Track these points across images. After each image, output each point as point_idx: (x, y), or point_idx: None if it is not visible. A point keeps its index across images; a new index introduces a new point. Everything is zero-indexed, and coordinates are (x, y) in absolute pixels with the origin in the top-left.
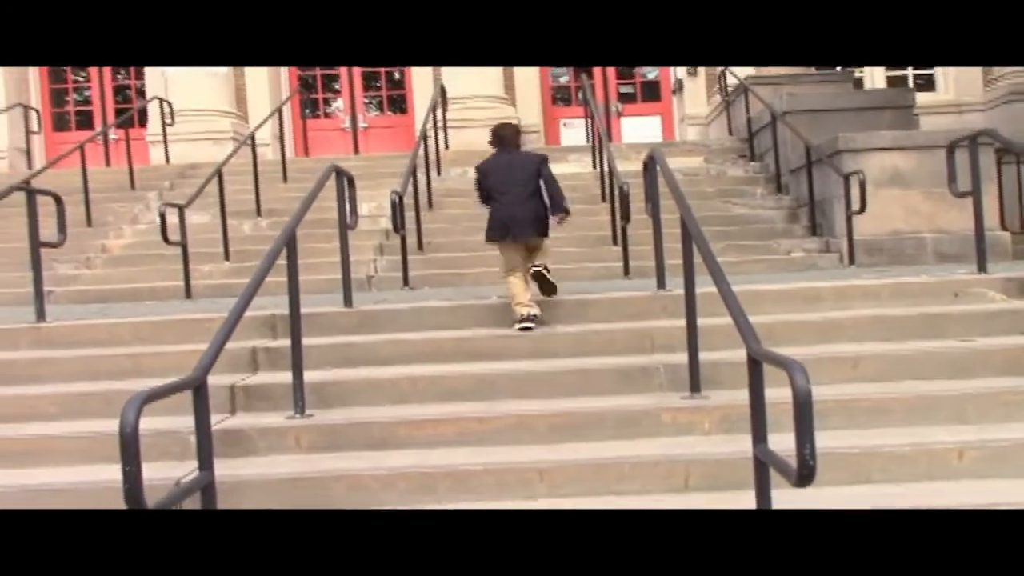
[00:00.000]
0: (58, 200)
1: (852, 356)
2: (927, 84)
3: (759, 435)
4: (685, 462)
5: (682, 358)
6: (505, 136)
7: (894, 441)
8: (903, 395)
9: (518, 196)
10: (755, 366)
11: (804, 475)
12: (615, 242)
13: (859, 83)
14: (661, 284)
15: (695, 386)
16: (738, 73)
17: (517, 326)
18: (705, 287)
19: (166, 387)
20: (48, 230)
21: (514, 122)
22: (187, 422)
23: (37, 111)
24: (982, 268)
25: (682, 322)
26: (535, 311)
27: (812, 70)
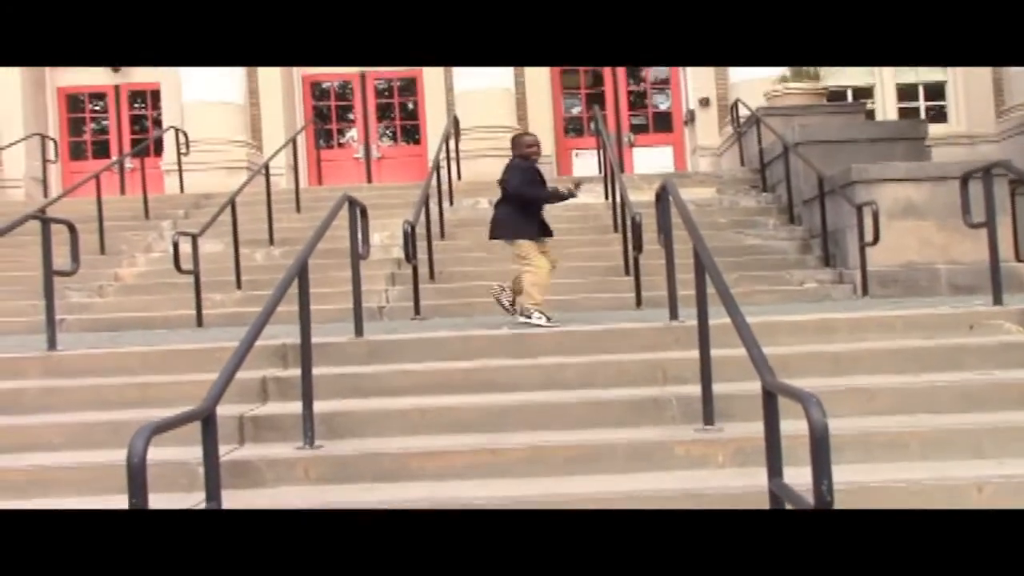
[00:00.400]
0: (72, 229)
1: (868, 388)
2: (938, 116)
3: (774, 469)
4: (698, 496)
5: (695, 390)
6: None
7: (911, 476)
8: (920, 428)
9: (497, 203)
10: (770, 399)
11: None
12: (627, 272)
13: (871, 114)
14: (674, 315)
15: (708, 418)
16: (750, 104)
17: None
18: (718, 318)
19: (175, 418)
20: (62, 258)
21: (524, 133)
22: (195, 452)
23: (54, 140)
24: (998, 300)
25: (695, 353)
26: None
27: (824, 101)
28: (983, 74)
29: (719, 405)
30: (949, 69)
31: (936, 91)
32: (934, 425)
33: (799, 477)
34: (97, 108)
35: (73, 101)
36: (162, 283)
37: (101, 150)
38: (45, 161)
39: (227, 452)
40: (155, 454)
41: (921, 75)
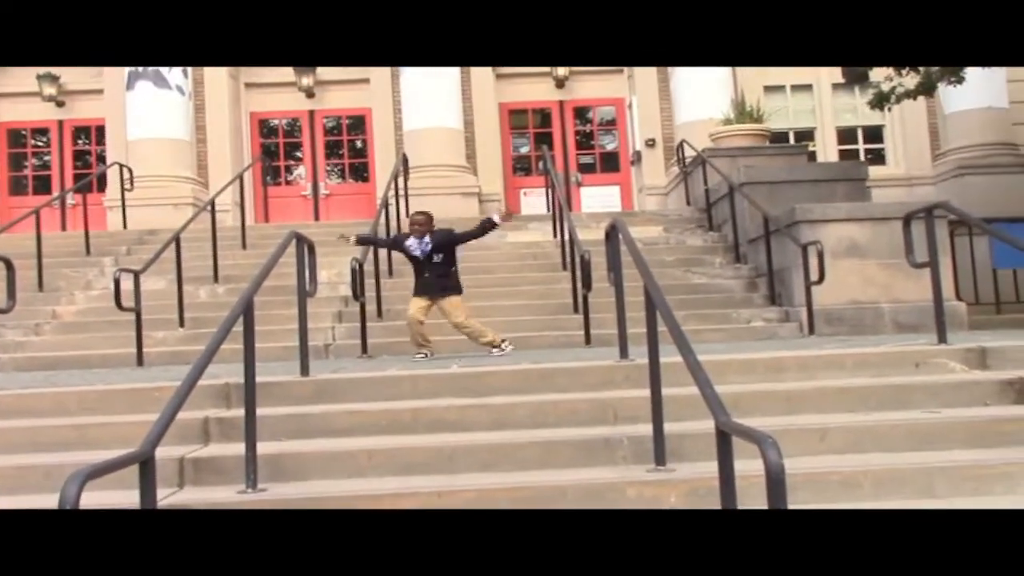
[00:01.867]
0: (9, 265)
1: (818, 428)
2: (876, 158)
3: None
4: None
5: (646, 429)
6: None
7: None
8: (871, 468)
9: None
10: (724, 439)
11: None
12: (576, 310)
13: (812, 156)
14: (624, 353)
15: (660, 458)
16: (695, 145)
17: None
18: (668, 356)
19: (111, 462)
20: None
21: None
22: (133, 497)
23: None
24: (942, 339)
25: (646, 392)
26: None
27: (767, 143)
28: (919, 118)
29: (671, 444)
30: (887, 113)
31: (874, 134)
32: (886, 464)
33: None
34: (40, 143)
35: (14, 136)
36: (102, 321)
37: (43, 186)
38: None
39: (166, 495)
40: (91, 498)
41: (860, 118)
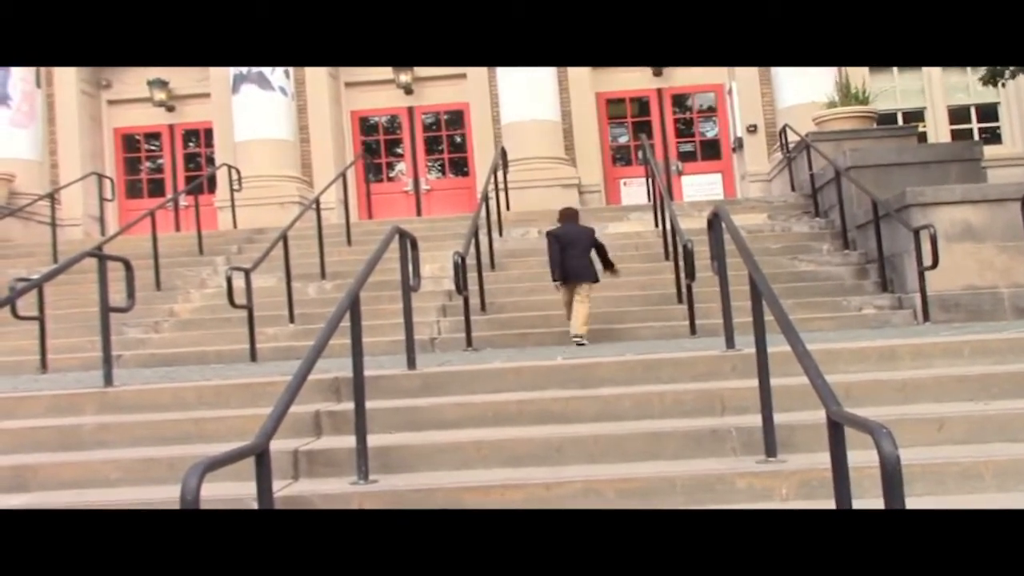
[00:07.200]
0: (127, 266)
1: (936, 417)
2: (992, 137)
3: (843, 502)
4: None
5: (755, 420)
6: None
7: (988, 508)
8: (994, 458)
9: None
10: (836, 429)
11: None
12: (680, 300)
13: (922, 137)
14: (730, 343)
15: (770, 450)
16: (798, 129)
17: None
18: (775, 346)
19: (228, 454)
20: (118, 295)
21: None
22: (250, 488)
23: (111, 179)
24: None
25: (753, 382)
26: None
27: (873, 125)
28: None
29: (781, 435)
30: (1001, 90)
31: (989, 112)
32: (1009, 455)
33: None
34: (152, 147)
35: (129, 141)
36: (216, 318)
37: (157, 188)
38: (102, 200)
39: (282, 487)
40: (209, 490)
41: (973, 96)
